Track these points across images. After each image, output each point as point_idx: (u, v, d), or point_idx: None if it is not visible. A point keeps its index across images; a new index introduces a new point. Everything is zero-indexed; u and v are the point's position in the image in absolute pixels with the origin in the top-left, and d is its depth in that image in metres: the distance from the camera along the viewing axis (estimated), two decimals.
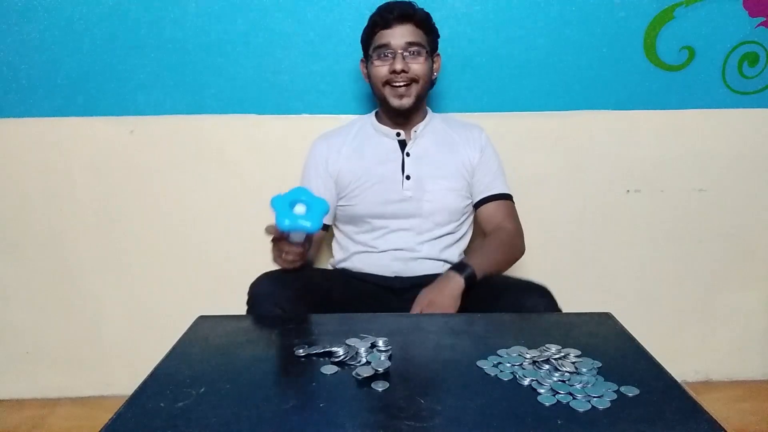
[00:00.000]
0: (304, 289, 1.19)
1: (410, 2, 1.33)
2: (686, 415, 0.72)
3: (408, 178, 1.37)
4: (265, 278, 1.19)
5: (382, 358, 0.84)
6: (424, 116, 1.43)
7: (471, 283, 1.21)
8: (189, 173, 1.69)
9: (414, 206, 1.37)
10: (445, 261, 1.40)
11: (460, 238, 1.44)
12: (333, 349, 0.86)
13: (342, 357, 0.85)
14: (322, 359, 0.87)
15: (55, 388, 1.83)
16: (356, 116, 1.54)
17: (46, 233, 1.71)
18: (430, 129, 1.43)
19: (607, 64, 1.63)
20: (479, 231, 1.47)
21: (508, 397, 0.76)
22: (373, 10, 1.35)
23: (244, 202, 1.70)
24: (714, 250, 1.80)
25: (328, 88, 1.62)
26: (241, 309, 1.17)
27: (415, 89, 1.33)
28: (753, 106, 1.68)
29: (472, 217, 1.48)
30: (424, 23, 1.33)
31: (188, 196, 1.71)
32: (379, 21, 1.31)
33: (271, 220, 1.03)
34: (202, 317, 1.04)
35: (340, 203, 1.43)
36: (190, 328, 1.00)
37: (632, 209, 1.76)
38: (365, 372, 0.80)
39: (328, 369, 0.84)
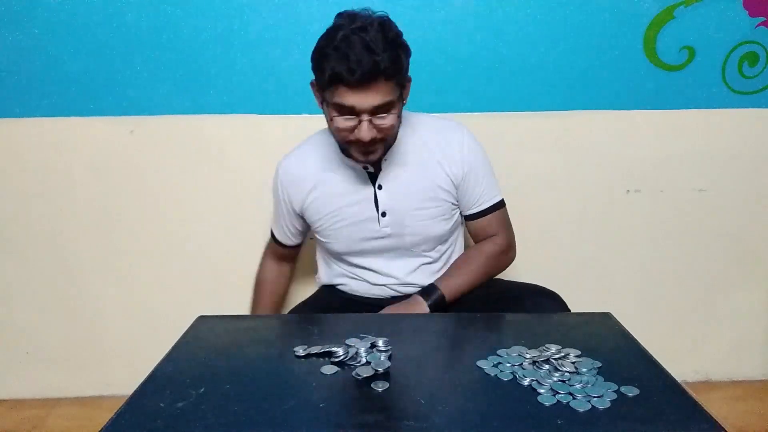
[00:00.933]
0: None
1: (375, 40, 1.02)
2: (686, 415, 0.72)
3: (384, 215, 1.23)
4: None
5: (382, 358, 0.84)
6: (393, 141, 1.20)
7: (439, 307, 1.19)
8: (189, 173, 1.69)
9: (395, 241, 1.26)
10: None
11: (453, 252, 1.36)
12: (333, 349, 0.86)
13: (342, 357, 0.85)
14: (322, 359, 0.87)
15: (55, 388, 1.83)
16: (319, 132, 1.33)
17: (46, 233, 1.71)
18: (401, 151, 1.22)
19: (607, 64, 1.63)
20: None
21: (509, 398, 0.76)
22: (373, 9, 1.30)
23: (244, 202, 1.70)
24: (714, 250, 1.80)
25: None
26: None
27: (382, 146, 1.13)
28: (753, 106, 1.68)
29: (462, 226, 1.39)
30: (393, 71, 1.05)
31: (188, 196, 1.71)
32: (339, 78, 1.03)
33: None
34: (201, 317, 1.04)
35: (315, 234, 1.34)
36: (189, 329, 1.00)
37: (632, 209, 1.76)
38: (365, 372, 0.80)
39: (328, 369, 0.84)
